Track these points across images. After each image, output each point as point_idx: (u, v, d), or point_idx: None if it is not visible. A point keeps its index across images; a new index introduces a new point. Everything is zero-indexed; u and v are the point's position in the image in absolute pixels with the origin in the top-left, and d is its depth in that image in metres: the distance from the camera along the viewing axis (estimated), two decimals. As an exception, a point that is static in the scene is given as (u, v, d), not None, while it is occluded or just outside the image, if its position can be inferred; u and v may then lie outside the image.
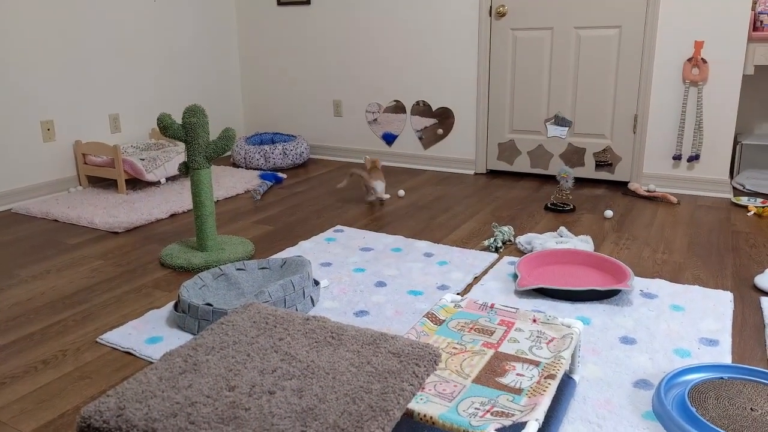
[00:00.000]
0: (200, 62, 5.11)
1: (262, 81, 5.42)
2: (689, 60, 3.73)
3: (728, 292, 2.42)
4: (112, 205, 3.77)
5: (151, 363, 1.89)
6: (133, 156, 4.16)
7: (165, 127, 2.78)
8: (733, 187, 3.95)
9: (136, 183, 4.26)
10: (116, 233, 3.33)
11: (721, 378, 1.77)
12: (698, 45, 3.69)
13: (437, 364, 1.28)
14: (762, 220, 3.33)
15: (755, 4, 3.64)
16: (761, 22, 3.58)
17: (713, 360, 1.94)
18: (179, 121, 4.99)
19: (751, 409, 1.62)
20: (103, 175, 4.12)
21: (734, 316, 2.25)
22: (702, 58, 3.69)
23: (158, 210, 3.64)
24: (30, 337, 2.20)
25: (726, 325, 2.17)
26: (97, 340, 2.17)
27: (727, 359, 1.95)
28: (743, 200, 3.62)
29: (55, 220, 3.57)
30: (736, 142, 4.12)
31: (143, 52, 4.63)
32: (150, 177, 4.10)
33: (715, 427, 1.53)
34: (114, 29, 4.39)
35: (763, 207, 3.41)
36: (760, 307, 2.31)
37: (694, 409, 1.60)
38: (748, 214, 3.45)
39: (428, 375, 1.22)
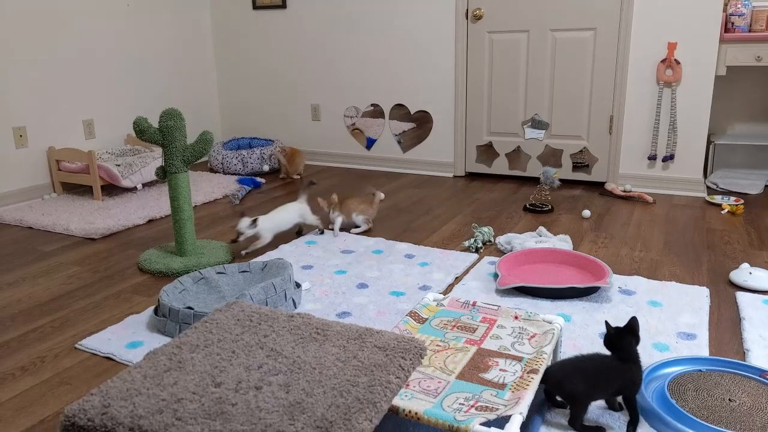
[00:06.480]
0: (175, 67, 5.08)
1: (239, 85, 5.40)
2: (663, 61, 3.79)
3: (704, 288, 2.46)
4: (88, 211, 3.72)
5: (132, 366, 1.86)
6: (109, 162, 4.11)
7: (141, 131, 2.75)
8: (707, 186, 4.02)
9: (111, 189, 4.21)
10: (93, 239, 3.29)
11: (700, 370, 1.80)
12: (671, 46, 3.75)
13: (423, 357, 1.28)
14: (735, 218, 3.39)
15: (726, 6, 3.71)
16: (732, 23, 3.65)
17: (691, 353, 1.97)
18: (155, 125, 4.95)
19: (729, 399, 1.65)
20: (77, 182, 4.07)
21: (710, 310, 2.29)
22: (675, 60, 3.75)
23: (135, 216, 3.60)
24: (6, 344, 2.17)
25: (703, 319, 2.20)
26: (76, 346, 2.14)
27: (705, 352, 1.98)
28: (717, 199, 3.68)
29: (30, 228, 3.51)
30: (709, 142, 4.19)
31: (117, 57, 4.59)
32: (126, 183, 4.06)
33: (695, 418, 1.55)
34: (87, 33, 4.35)
35: (737, 205, 3.48)
36: (736, 302, 2.35)
37: (674, 401, 1.62)
38: (722, 212, 3.51)
39: (414, 368, 1.22)
